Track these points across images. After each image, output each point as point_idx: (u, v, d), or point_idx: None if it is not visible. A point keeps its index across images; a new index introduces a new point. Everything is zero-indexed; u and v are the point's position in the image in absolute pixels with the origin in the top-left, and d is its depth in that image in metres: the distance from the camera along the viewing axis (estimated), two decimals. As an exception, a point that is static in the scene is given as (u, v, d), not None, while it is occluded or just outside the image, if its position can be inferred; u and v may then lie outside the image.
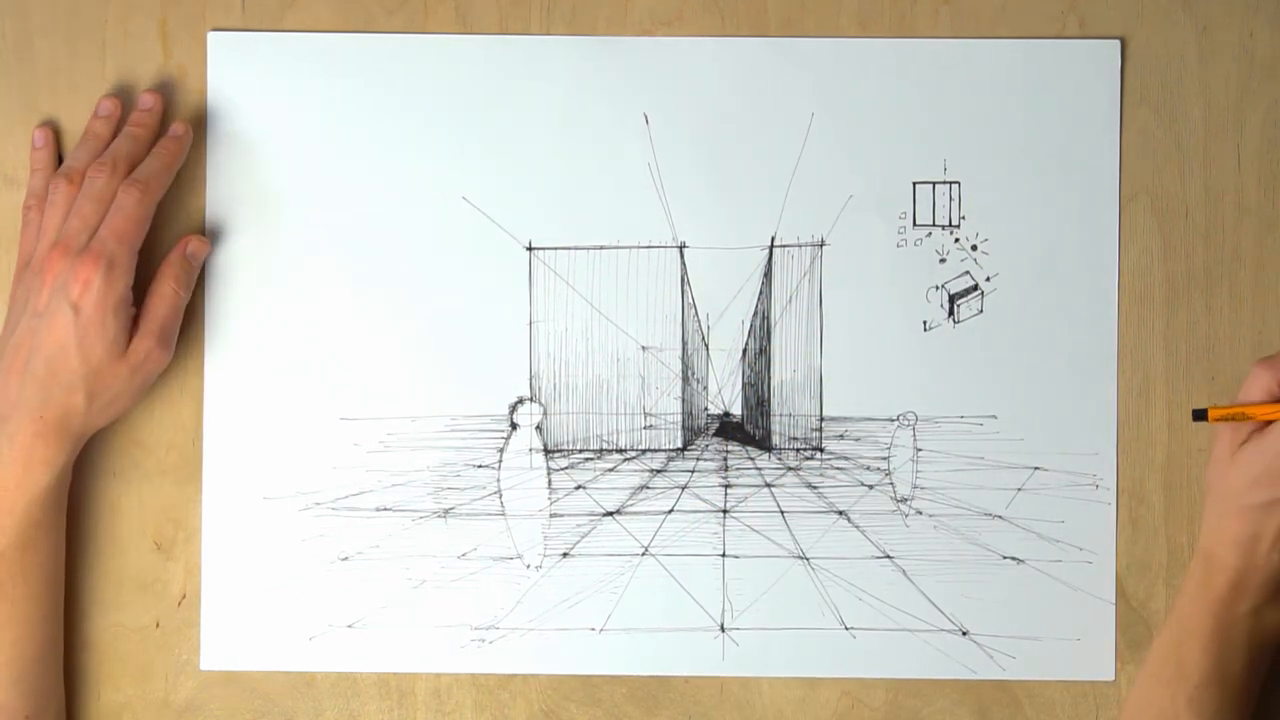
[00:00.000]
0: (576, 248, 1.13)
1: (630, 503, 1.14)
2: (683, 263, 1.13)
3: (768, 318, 1.14)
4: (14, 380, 1.05)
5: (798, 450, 1.14)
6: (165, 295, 1.09)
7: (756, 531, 1.13)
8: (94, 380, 1.05)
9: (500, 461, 1.13)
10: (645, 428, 1.15)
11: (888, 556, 1.13)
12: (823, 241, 1.13)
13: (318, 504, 1.13)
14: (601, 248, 1.14)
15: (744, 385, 1.16)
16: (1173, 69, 1.13)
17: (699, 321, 1.14)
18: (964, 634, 1.12)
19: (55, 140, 1.12)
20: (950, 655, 1.12)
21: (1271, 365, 1.06)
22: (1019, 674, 1.12)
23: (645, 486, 1.14)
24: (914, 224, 1.13)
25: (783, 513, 1.13)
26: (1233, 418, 1.06)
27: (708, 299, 1.14)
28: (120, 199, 1.06)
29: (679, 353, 1.15)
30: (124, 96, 1.12)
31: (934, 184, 1.13)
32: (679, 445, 1.15)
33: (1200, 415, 1.08)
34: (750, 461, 1.15)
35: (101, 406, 1.06)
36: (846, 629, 1.12)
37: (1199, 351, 1.12)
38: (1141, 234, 1.13)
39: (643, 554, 1.13)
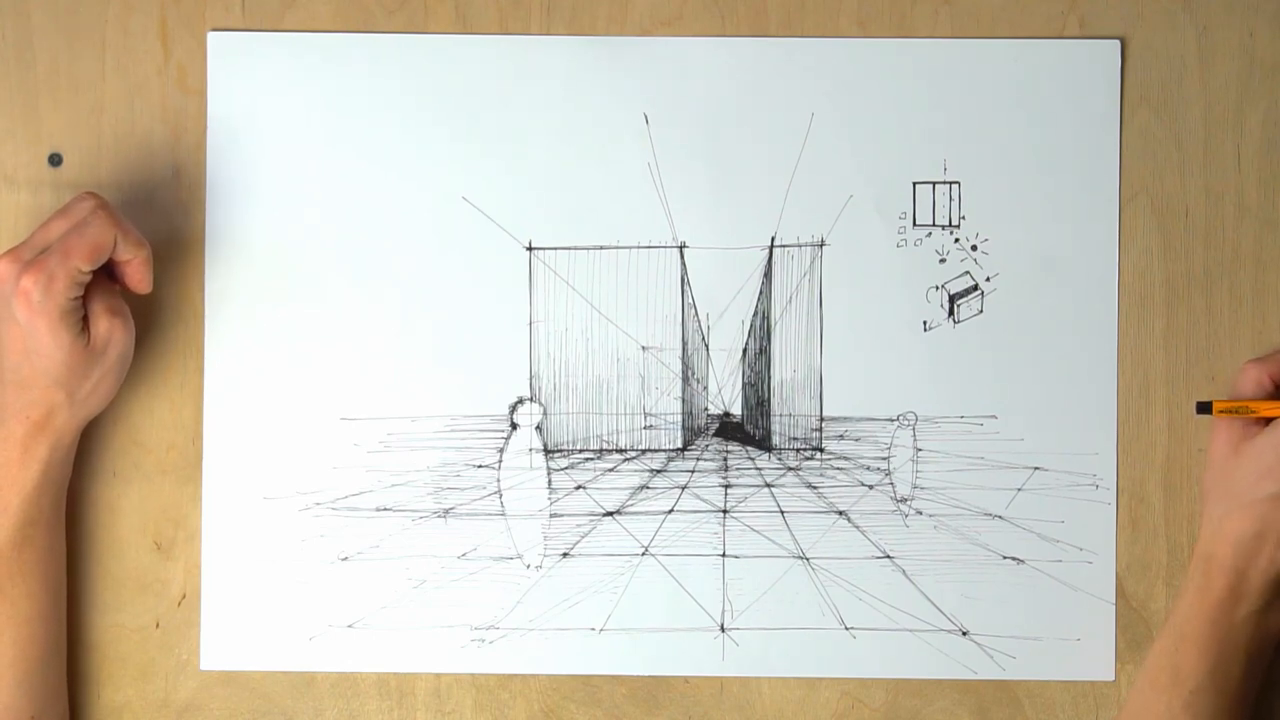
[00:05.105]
0: (576, 248, 1.13)
1: (630, 503, 1.14)
2: (683, 263, 1.13)
3: (768, 318, 1.14)
4: None
5: (798, 450, 1.14)
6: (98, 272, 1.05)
7: (756, 531, 1.13)
8: (65, 377, 1.04)
9: (500, 461, 1.13)
10: (645, 428, 1.15)
11: (888, 556, 1.13)
12: (823, 241, 1.13)
13: (318, 504, 1.13)
14: (601, 248, 1.13)
15: (744, 385, 1.16)
16: (1173, 69, 1.13)
17: (699, 321, 1.14)
18: (964, 634, 1.12)
19: None
20: (950, 655, 1.12)
21: (1263, 362, 1.08)
22: (1019, 674, 1.12)
23: (645, 486, 1.14)
24: (914, 224, 1.13)
25: (783, 513, 1.13)
26: (1237, 411, 1.07)
27: (708, 299, 1.13)
28: (88, 218, 1.03)
29: (679, 353, 1.15)
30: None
31: (934, 184, 1.13)
32: (679, 445, 1.15)
33: (1204, 408, 1.08)
34: (750, 461, 1.15)
35: (83, 398, 1.06)
36: (846, 629, 1.12)
37: (1199, 351, 1.12)
38: (1141, 234, 1.13)
39: (643, 554, 1.13)
